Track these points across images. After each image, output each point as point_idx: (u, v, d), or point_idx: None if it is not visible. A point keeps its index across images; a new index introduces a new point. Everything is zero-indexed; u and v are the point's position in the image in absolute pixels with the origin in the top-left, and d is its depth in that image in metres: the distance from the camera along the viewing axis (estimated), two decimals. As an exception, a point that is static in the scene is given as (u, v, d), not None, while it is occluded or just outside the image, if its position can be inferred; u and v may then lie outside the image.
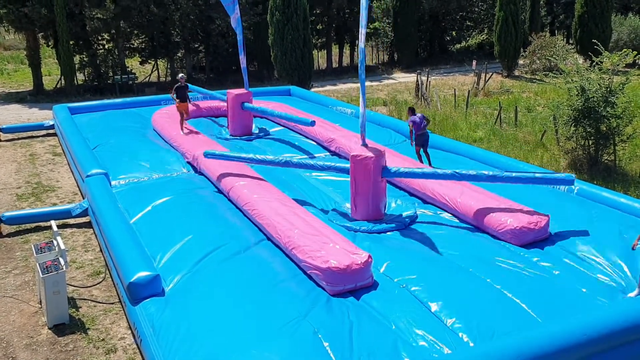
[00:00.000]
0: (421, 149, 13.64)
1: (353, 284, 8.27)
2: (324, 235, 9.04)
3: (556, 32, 43.60)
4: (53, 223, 9.70)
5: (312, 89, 27.30)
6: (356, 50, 39.97)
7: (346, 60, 40.77)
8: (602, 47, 15.66)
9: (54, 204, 13.11)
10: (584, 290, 8.28)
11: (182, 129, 16.08)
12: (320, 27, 37.88)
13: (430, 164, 13.45)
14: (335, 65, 38.94)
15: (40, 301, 8.86)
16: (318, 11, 35.97)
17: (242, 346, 7.03)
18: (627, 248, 8.95)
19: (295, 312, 7.65)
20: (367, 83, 31.13)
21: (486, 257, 9.19)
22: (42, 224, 11.83)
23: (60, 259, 8.50)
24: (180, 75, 16.85)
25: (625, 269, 8.77)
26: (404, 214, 10.93)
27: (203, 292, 8.23)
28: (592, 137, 14.71)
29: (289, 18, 26.80)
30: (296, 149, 15.77)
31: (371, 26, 38.67)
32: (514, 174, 10.34)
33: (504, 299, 7.97)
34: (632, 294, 8.00)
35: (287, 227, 9.40)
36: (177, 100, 16.31)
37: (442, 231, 10.28)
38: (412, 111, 13.77)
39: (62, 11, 26.20)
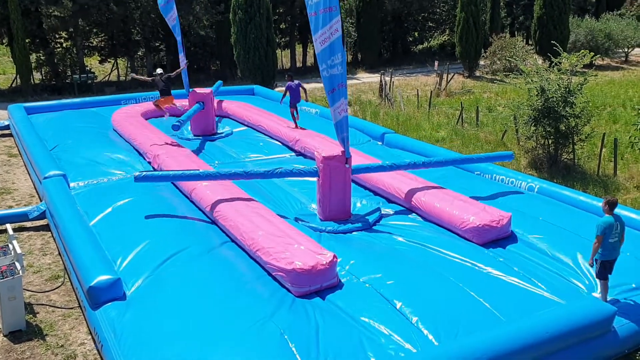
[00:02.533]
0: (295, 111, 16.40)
1: (318, 285, 8.23)
2: (288, 237, 8.97)
3: (516, 33, 44.43)
4: (9, 226, 9.44)
5: (276, 89, 27.17)
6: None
7: (310, 60, 40.73)
8: (560, 48, 15.99)
9: (10, 207, 12.72)
10: (545, 288, 8.41)
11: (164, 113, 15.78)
12: (284, 27, 37.77)
13: (297, 125, 16.19)
14: (299, 64, 38.88)
15: (-5, 307, 8.56)
16: (281, 10, 35.87)
17: (207, 349, 6.92)
18: (587, 246, 9.12)
19: (261, 314, 7.57)
20: (331, 83, 31.11)
21: (450, 256, 9.27)
22: (-3, 227, 11.46)
23: (17, 264, 8.24)
24: (159, 70, 16.31)
25: (585, 266, 8.95)
26: (369, 213, 10.94)
27: (166, 295, 8.08)
28: (551, 137, 15.00)
29: (251, 17, 26.63)
30: (260, 149, 15.65)
31: (334, 26, 38.71)
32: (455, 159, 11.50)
33: (467, 297, 8.05)
34: (595, 294, 8.16)
35: (251, 229, 9.30)
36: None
37: (407, 230, 10.32)
38: (290, 77, 16.69)
39: (16, 8, 25.45)
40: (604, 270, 7.89)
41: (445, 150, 14.58)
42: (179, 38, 16.91)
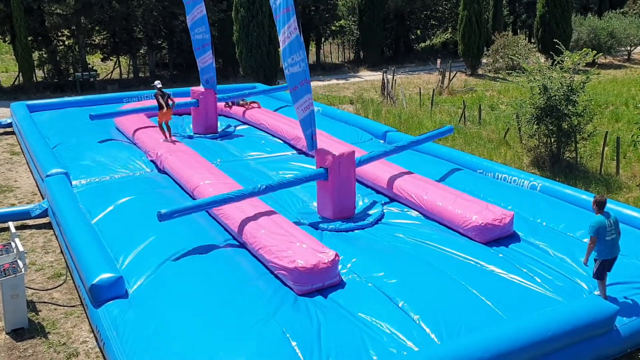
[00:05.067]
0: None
1: (320, 283, 8.23)
2: (290, 235, 8.97)
3: (518, 31, 44.32)
4: (11, 224, 9.42)
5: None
6: (322, 48, 39.94)
7: (312, 58, 40.67)
8: (563, 47, 15.95)
9: (12, 205, 12.74)
10: (548, 286, 8.40)
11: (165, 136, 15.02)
12: (286, 25, 37.71)
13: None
14: (301, 63, 38.82)
15: (-2, 305, 8.58)
16: (283, 8, 35.81)
17: (209, 348, 6.92)
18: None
19: (263, 313, 7.57)
20: (334, 81, 31.15)
21: (452, 254, 9.26)
22: (-1, 225, 11.48)
23: (19, 261, 8.24)
24: (157, 82, 15.53)
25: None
26: (371, 212, 10.93)
27: (168, 294, 8.08)
28: (554, 135, 14.97)
29: (254, 15, 26.62)
30: (262, 147, 15.65)
31: (337, 24, 38.71)
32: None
33: (469, 295, 8.04)
34: (597, 292, 8.14)
35: (254, 227, 9.30)
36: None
37: (409, 228, 10.32)
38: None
39: (19, 6, 25.46)
40: (603, 269, 7.84)
41: (447, 149, 14.56)
42: (207, 35, 16.68)
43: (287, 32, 10.02)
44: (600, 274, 7.87)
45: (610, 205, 10.49)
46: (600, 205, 7.86)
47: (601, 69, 30.72)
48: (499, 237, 9.84)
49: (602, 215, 7.81)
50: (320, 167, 10.52)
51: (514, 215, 10.05)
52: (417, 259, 9.02)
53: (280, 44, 10.30)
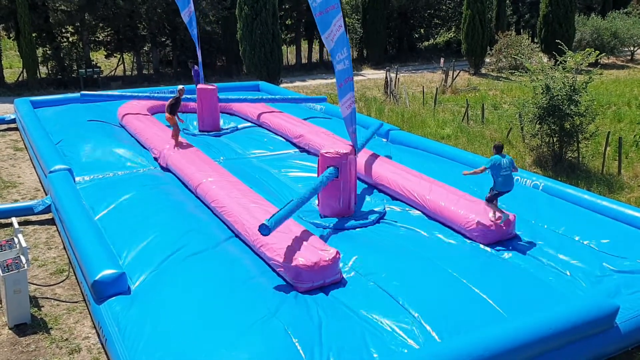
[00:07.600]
0: None
1: (321, 281, 8.26)
2: (292, 233, 9.00)
3: (521, 31, 44.25)
4: (14, 220, 9.47)
5: (281, 85, 27.20)
6: (325, 46, 39.93)
7: (315, 56, 40.67)
8: (565, 47, 15.96)
9: (16, 201, 12.79)
10: (548, 285, 8.42)
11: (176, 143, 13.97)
12: (290, 22, 37.72)
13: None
14: (304, 61, 38.83)
15: (1, 300, 8.62)
16: (287, 6, 35.81)
17: (211, 345, 6.96)
18: (590, 245, 9.15)
19: (265, 310, 7.61)
20: (336, 79, 31.11)
21: (453, 253, 9.28)
22: (2, 221, 11.50)
23: (22, 257, 8.29)
24: (181, 87, 14.53)
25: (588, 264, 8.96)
26: (373, 210, 10.95)
27: (170, 290, 8.12)
28: (556, 135, 14.98)
29: (257, 13, 26.63)
30: (264, 145, 15.68)
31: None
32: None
33: (470, 294, 8.06)
34: (491, 216, 9.66)
35: (255, 225, 9.32)
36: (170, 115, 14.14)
37: (411, 227, 10.34)
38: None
39: (24, 2, 25.53)
40: (495, 197, 9.70)
41: (450, 148, 14.56)
42: (194, 32, 16.89)
43: (333, 30, 9.96)
44: (491, 200, 9.69)
45: (611, 205, 10.58)
46: (498, 149, 9.68)
47: (604, 69, 30.70)
48: (501, 239, 9.84)
49: (498, 155, 9.48)
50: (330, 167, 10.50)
51: (515, 217, 10.05)
52: (418, 257, 9.04)
53: (330, 42, 10.16)
